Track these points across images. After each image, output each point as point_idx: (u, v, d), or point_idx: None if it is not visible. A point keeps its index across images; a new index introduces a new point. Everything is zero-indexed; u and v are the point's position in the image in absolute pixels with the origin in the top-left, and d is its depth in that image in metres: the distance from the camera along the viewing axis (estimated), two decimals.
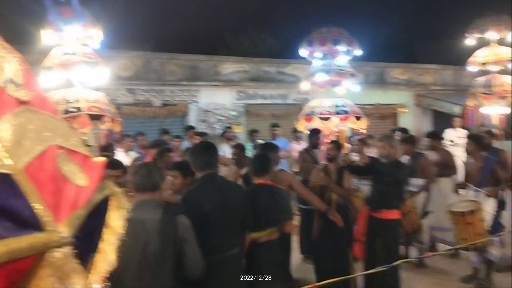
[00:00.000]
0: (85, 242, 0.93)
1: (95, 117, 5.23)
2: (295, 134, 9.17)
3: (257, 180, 3.94)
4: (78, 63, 5.26)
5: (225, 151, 8.60)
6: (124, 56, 9.93)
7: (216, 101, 11.04)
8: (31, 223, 0.81)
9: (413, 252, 6.21)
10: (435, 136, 6.54)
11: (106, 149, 6.07)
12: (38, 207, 0.82)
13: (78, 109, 5.11)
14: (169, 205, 3.09)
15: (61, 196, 0.91)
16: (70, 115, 5.01)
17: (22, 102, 0.95)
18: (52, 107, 1.06)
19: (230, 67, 11.37)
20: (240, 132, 11.14)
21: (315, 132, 6.63)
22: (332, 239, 4.85)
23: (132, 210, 2.67)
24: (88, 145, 5.65)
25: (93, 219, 0.98)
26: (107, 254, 0.99)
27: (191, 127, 9.23)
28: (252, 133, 9.14)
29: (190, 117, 10.73)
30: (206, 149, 3.44)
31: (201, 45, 16.46)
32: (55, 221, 0.85)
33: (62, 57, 5.31)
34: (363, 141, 6.98)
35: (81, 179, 0.99)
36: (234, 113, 11.26)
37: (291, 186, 4.57)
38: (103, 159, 1.17)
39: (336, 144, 5.26)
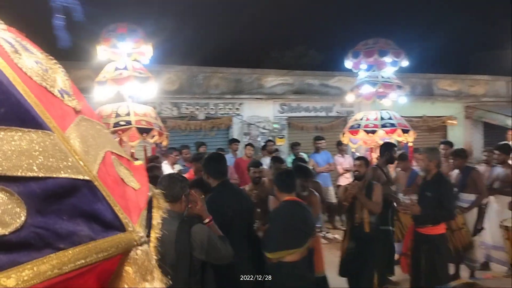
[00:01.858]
0: None
1: (144, 131, 5.37)
2: (340, 147, 9.05)
3: (285, 197, 3.82)
4: (129, 78, 5.43)
5: (268, 164, 8.61)
6: (169, 70, 10.18)
7: (259, 114, 11.09)
8: (114, 225, 0.87)
9: (464, 271, 5.95)
10: (505, 149, 6.23)
11: (153, 162, 6.21)
12: (117, 209, 0.88)
13: (128, 122, 5.26)
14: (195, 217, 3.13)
15: (127, 199, 0.97)
16: (121, 128, 5.17)
17: (77, 112, 1.00)
18: (96, 114, 1.13)
19: (273, 80, 11.41)
20: (283, 145, 11.12)
21: (389, 145, 6.17)
22: (359, 260, 4.78)
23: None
24: (136, 158, 5.82)
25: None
26: (153, 253, 1.05)
27: (235, 140, 9.31)
28: (294, 146, 9.10)
29: (233, 130, 10.83)
30: (219, 159, 3.72)
31: (244, 58, 16.66)
32: (132, 222, 0.91)
33: (114, 72, 5.51)
34: (404, 156, 6.65)
35: (134, 182, 1.05)
36: (277, 126, 11.27)
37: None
38: (141, 162, 1.27)
39: (365, 161, 5.12)
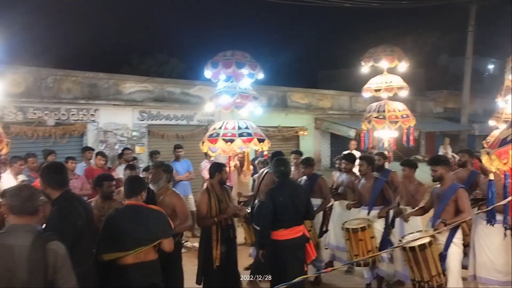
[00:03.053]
0: None
1: None
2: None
3: (127, 201, 3.97)
4: None
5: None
6: (14, 71, 9.23)
7: (117, 121, 10.63)
8: None
9: (310, 271, 6.42)
10: (351, 159, 6.86)
11: None
12: None
13: None
14: None
15: None
16: None
17: None
18: None
19: (131, 86, 11.05)
20: (143, 153, 10.82)
21: (278, 154, 6.64)
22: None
23: (3, 234, 2.50)
24: None
25: None
26: None
27: (89, 148, 8.78)
28: (153, 155, 8.94)
29: (88, 138, 10.20)
30: (58, 168, 3.62)
31: (102, 63, 15.87)
32: None
33: None
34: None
35: None
36: (136, 133, 10.93)
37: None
38: None
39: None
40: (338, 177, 7.10)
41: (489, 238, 5.18)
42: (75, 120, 9.99)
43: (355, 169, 6.99)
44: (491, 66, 31.73)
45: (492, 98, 12.97)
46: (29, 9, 15.52)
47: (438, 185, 5.18)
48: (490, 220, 4.70)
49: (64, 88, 9.99)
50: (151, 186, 4.71)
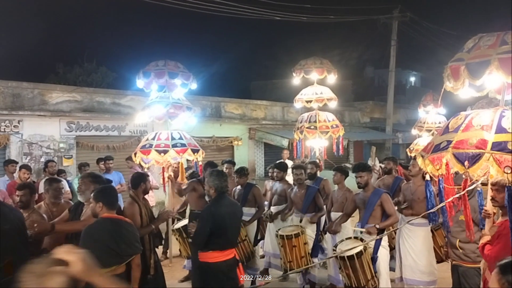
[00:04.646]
0: None
1: None
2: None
3: (104, 214, 3.80)
4: None
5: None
6: None
7: (43, 133, 10.13)
8: None
9: (246, 280, 6.47)
10: (282, 167, 6.99)
11: None
12: None
13: None
14: None
15: None
16: None
17: None
18: None
19: (58, 96, 10.59)
20: (71, 165, 10.38)
21: (210, 164, 6.63)
22: None
23: None
24: None
25: None
26: None
27: (12, 161, 8.29)
28: (82, 167, 8.61)
29: (11, 150, 9.63)
30: None
31: (26, 72, 15.09)
32: None
33: None
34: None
35: None
36: (63, 145, 10.46)
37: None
38: None
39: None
40: (272, 186, 7.23)
41: (412, 240, 5.53)
42: None
43: (289, 178, 7.16)
44: (412, 79, 33.88)
45: (414, 108, 13.90)
46: None
47: (360, 191, 5.45)
48: (433, 220, 5.04)
49: None
50: (79, 197, 4.55)
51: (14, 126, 9.68)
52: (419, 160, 3.27)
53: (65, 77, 19.70)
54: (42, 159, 9.85)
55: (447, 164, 2.92)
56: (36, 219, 3.76)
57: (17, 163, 8.26)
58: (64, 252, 1.65)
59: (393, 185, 6.83)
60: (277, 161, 8.97)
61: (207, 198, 4.95)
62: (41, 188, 7.16)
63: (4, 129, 9.54)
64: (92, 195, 3.98)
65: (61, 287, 1.55)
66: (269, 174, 7.93)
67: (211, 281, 4.39)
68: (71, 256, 1.64)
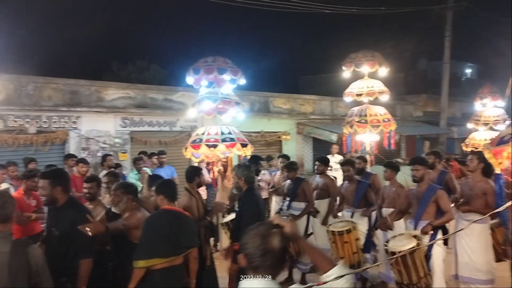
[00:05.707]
0: None
1: None
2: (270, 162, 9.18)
3: (165, 206, 3.94)
4: None
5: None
6: None
7: (99, 128, 10.56)
8: None
9: (297, 274, 6.46)
10: (324, 161, 6.95)
11: None
12: None
13: None
14: None
15: None
16: None
17: None
18: None
19: (114, 93, 11.00)
20: (126, 160, 10.76)
21: (255, 158, 6.84)
22: None
23: None
24: None
25: None
26: None
27: (71, 155, 8.69)
28: (136, 161, 8.89)
29: (70, 145, 10.10)
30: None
31: (83, 70, 15.75)
32: None
33: None
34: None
35: None
36: (118, 140, 10.86)
37: None
38: None
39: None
40: (313, 180, 7.18)
41: (469, 237, 5.32)
42: (57, 127, 9.89)
43: (336, 173, 7.08)
44: (468, 71, 32.43)
45: (470, 101, 13.34)
46: (9, 16, 15.35)
47: (414, 187, 5.29)
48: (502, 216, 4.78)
49: (45, 96, 9.88)
50: (113, 209, 4.50)
51: (72, 122, 10.15)
52: (486, 154, 3.14)
53: (119, 75, 20.42)
54: (99, 154, 10.27)
55: (508, 158, 2.80)
56: (89, 225, 3.87)
57: (76, 157, 8.65)
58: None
59: (438, 179, 6.61)
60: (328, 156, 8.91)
61: (235, 191, 4.99)
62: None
63: (64, 125, 10.02)
64: (154, 188, 4.17)
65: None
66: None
67: None
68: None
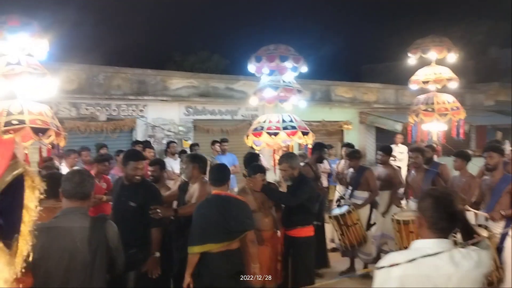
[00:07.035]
0: (6, 221, 0.87)
1: (39, 131, 5.00)
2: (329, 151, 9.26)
3: (214, 191, 3.95)
4: (22, 74, 5.04)
5: (172, 166, 8.52)
6: (67, 68, 9.63)
7: (164, 116, 10.93)
8: None
9: (359, 264, 6.38)
10: (387, 151, 6.78)
11: (47, 163, 5.86)
12: None
13: (21, 121, 4.87)
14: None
15: None
16: (13, 127, 4.77)
17: None
18: None
19: (178, 82, 11.32)
20: (188, 147, 11.05)
21: (319, 145, 6.86)
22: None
23: (59, 217, 2.65)
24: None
25: (9, 198, 0.91)
26: (27, 237, 0.94)
27: (138, 142, 9.07)
28: (192, 147, 9.19)
29: (137, 132, 10.54)
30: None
31: (148, 60, 16.32)
32: None
33: (6, 67, 5.07)
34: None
35: None
36: (182, 128, 11.18)
37: None
38: (11, 136, 1.11)
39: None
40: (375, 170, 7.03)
41: None
42: (125, 115, 10.36)
43: (400, 163, 6.85)
44: None
45: None
46: (80, 8, 16.16)
47: (487, 177, 5.02)
48: None
49: (114, 85, 10.36)
50: (183, 176, 4.95)
51: (140, 110, 10.58)
52: None
53: (182, 65, 20.93)
54: (164, 141, 10.64)
55: None
56: (160, 207, 4.13)
57: (143, 144, 9.02)
58: None
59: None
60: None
61: (286, 183, 4.92)
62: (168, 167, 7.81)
63: (131, 113, 10.46)
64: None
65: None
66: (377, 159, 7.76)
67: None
68: None
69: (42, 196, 0.98)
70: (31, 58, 5.39)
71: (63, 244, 2.57)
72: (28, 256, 0.90)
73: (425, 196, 2.14)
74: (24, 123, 4.91)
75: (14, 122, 4.86)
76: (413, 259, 1.94)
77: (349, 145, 7.88)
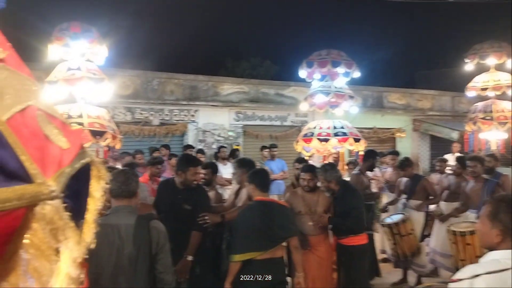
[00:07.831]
0: (74, 205, 0.89)
1: (97, 133, 5.22)
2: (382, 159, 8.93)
3: (257, 197, 3.84)
4: (82, 79, 5.28)
5: (221, 171, 8.60)
6: (123, 74, 9.99)
7: (214, 121, 11.08)
8: (19, 175, 0.77)
9: (411, 276, 6.14)
10: (463, 162, 6.49)
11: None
12: (25, 159, 0.78)
13: (80, 124, 5.10)
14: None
15: (45, 152, 0.86)
16: None
17: None
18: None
19: (229, 88, 11.46)
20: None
21: (371, 153, 6.72)
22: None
23: (107, 215, 2.73)
24: None
25: (77, 184, 0.93)
26: (91, 224, 0.95)
27: (190, 146, 9.24)
28: (233, 153, 9.34)
29: (188, 137, 10.75)
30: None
31: (200, 66, 16.64)
32: (43, 174, 0.80)
33: (67, 72, 5.33)
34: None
35: (62, 142, 0.92)
36: (232, 133, 11.29)
37: None
38: (79, 127, 1.14)
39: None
40: (440, 179, 6.73)
41: None
42: (177, 120, 10.60)
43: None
44: None
45: None
46: (135, 16, 16.75)
47: None
48: None
49: (168, 90, 10.63)
50: (234, 181, 5.01)
51: (191, 115, 10.79)
52: None
53: (233, 71, 21.19)
54: (214, 146, 10.78)
55: None
56: (209, 214, 4.16)
57: (194, 148, 9.19)
58: None
59: None
60: (447, 155, 8.35)
61: (326, 194, 4.78)
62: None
63: (183, 118, 10.69)
64: (247, 177, 4.10)
65: None
66: (436, 168, 7.45)
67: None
68: None
69: (107, 186, 1.01)
70: (91, 63, 5.63)
71: (112, 241, 2.69)
72: (90, 243, 0.92)
73: (497, 203, 1.97)
74: (83, 126, 5.13)
75: (73, 124, 5.09)
76: (501, 270, 1.80)
77: (394, 153, 7.62)
